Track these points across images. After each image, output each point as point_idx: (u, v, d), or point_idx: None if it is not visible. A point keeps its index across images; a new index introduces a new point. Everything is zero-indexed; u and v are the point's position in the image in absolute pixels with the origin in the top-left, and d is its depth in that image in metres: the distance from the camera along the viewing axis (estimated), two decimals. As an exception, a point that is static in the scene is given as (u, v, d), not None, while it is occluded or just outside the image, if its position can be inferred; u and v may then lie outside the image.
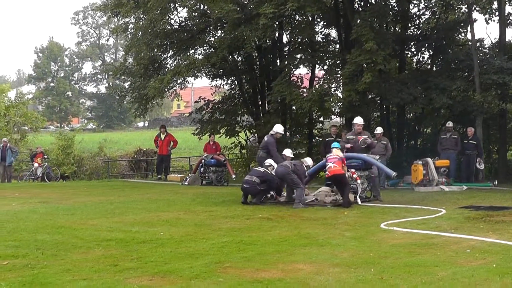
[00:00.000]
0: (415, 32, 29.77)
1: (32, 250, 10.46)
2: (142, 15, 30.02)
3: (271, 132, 19.64)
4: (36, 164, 31.75)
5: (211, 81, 33.88)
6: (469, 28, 27.26)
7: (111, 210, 16.40)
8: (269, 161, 18.21)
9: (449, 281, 8.06)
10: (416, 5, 29.02)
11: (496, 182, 23.22)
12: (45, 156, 32.77)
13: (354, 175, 18.15)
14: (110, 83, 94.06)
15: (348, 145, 18.52)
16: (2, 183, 29.72)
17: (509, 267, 8.86)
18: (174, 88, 32.27)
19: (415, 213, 15.27)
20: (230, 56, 30.86)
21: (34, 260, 9.68)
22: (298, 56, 31.48)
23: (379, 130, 23.00)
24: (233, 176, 27.66)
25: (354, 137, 18.87)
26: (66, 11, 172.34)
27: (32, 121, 49.36)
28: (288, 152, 19.01)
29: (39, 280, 8.27)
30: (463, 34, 28.94)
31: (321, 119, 31.94)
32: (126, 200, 19.23)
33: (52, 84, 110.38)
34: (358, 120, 19.31)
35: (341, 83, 28.17)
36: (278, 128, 19.73)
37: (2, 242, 11.19)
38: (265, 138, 19.64)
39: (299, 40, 31.45)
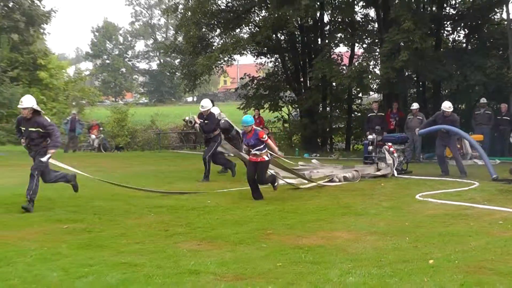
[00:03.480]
0: (451, 12, 29.44)
1: (90, 215, 10.89)
2: (191, -5, 30.21)
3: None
4: (93, 136, 32.11)
5: (255, 59, 34.06)
6: (504, 8, 26.59)
7: (162, 179, 16.77)
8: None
9: (482, 251, 8.07)
10: (452, -15, 28.66)
11: (529, 156, 22.88)
12: (101, 128, 33.20)
13: (391, 149, 18.16)
14: (161, 60, 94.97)
15: None
16: (65, 152, 30.19)
17: (540, 237, 8.88)
18: (221, 65, 32.40)
19: (449, 185, 15.30)
20: (274, 35, 30.92)
21: (91, 224, 10.07)
22: (338, 35, 31.54)
23: (415, 106, 23.02)
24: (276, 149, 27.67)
25: None
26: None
27: (89, 95, 50.26)
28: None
29: (96, 242, 8.61)
30: (498, 14, 28.43)
31: (360, 95, 32.05)
32: (176, 169, 19.58)
33: (107, 61, 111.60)
34: None
35: (379, 61, 28.05)
36: (445, 105, 18.77)
37: (62, 208, 11.61)
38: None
39: (339, 19, 31.33)
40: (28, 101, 12.19)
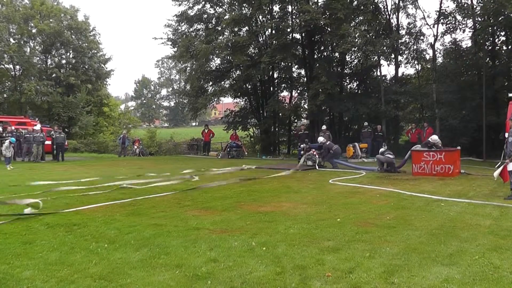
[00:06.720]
0: (349, 71, 29.66)
1: (133, 195, 10.36)
2: (194, 62, 29.98)
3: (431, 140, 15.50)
4: (135, 146, 31.73)
5: (233, 99, 33.60)
6: (378, 69, 27.36)
7: (178, 171, 16.46)
8: None
9: (367, 213, 8.20)
10: (349, 55, 28.83)
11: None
12: (140, 142, 32.78)
13: (314, 153, 18.11)
14: (176, 100, 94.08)
15: None
16: (119, 156, 29.92)
17: (400, 204, 9.04)
18: (212, 103, 32.01)
19: (348, 174, 15.35)
20: (244, 85, 30.70)
21: (134, 201, 9.70)
22: (283, 85, 31.58)
23: (324, 127, 23.24)
24: (245, 153, 27.64)
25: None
26: (152, 59, 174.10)
27: (133, 122, 49.71)
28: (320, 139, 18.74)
29: (138, 212, 8.46)
30: (375, 72, 28.63)
31: (296, 120, 31.73)
32: (185, 166, 19.25)
33: (144, 101, 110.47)
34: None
35: (307, 100, 28.11)
36: (434, 138, 15.55)
37: (118, 191, 11.22)
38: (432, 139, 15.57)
39: (283, 76, 31.34)
40: None
